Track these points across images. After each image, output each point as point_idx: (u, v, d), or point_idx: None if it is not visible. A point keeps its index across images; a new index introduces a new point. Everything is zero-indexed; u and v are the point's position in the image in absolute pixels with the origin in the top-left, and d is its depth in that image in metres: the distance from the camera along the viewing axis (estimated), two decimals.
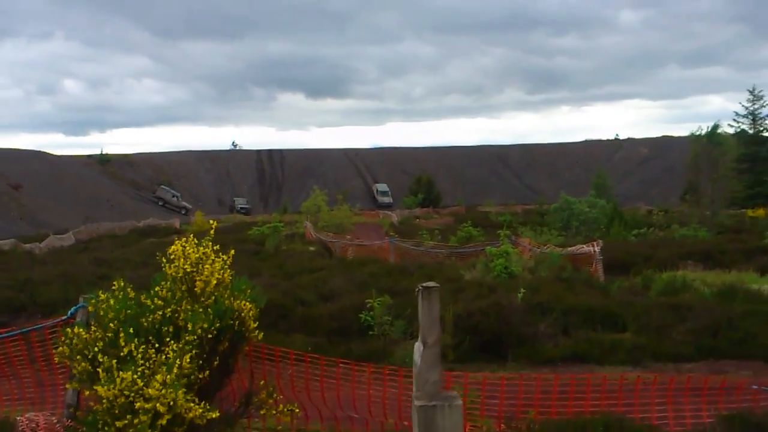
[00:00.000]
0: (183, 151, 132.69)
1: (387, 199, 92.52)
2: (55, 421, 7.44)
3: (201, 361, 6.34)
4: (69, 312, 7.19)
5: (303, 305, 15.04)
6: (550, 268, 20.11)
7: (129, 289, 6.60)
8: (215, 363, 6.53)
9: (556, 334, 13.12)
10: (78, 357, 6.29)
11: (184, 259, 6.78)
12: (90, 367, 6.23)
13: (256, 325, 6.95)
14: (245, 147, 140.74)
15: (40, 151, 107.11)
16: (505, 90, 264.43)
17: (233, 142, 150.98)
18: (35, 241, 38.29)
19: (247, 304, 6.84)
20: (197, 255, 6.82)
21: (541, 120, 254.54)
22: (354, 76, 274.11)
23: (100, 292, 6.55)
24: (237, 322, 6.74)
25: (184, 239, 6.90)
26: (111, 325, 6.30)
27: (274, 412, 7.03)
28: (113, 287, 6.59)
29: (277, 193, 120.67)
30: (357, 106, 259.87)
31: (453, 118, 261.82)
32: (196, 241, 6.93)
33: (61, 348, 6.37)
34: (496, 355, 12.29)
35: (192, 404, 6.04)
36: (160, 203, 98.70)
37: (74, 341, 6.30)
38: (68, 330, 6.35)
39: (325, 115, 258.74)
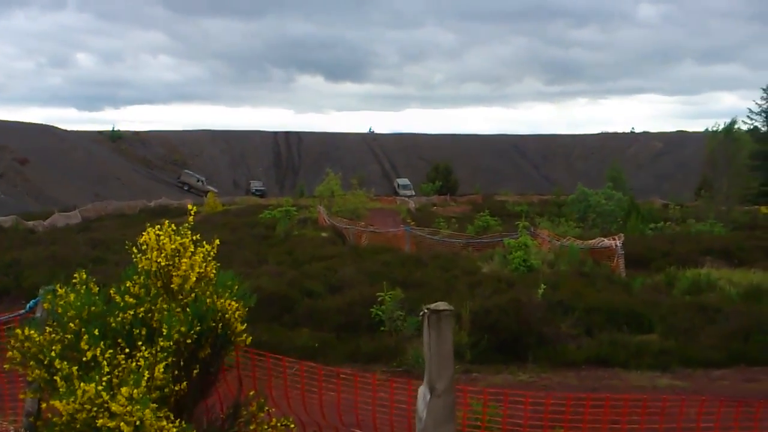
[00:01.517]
0: (197, 130, 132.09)
1: (409, 193, 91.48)
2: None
3: (177, 371, 5.38)
4: (27, 306, 6.20)
5: (310, 297, 14.16)
6: (570, 262, 19.30)
7: (92, 284, 5.63)
8: (195, 372, 5.56)
9: (579, 334, 12.33)
10: (32, 362, 5.34)
11: (158, 250, 5.78)
12: (46, 375, 5.28)
13: (243, 328, 5.93)
14: (263, 129, 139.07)
15: (48, 125, 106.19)
16: (523, 80, 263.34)
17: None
18: (40, 219, 37.48)
19: (233, 303, 5.81)
20: (174, 246, 5.81)
21: (558, 111, 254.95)
22: (374, 60, 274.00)
23: (59, 285, 5.57)
24: (221, 324, 5.72)
25: (158, 227, 5.89)
26: (71, 324, 5.32)
27: (266, 426, 6.02)
28: (74, 280, 5.62)
29: (294, 176, 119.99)
30: (376, 90, 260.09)
31: (471, 107, 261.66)
32: (173, 229, 5.92)
33: (10, 353, 5.41)
34: (515, 356, 11.50)
35: (164, 422, 5.08)
36: (185, 188, 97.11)
37: (26, 344, 5.34)
38: (18, 331, 5.37)
39: (343, 98, 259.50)
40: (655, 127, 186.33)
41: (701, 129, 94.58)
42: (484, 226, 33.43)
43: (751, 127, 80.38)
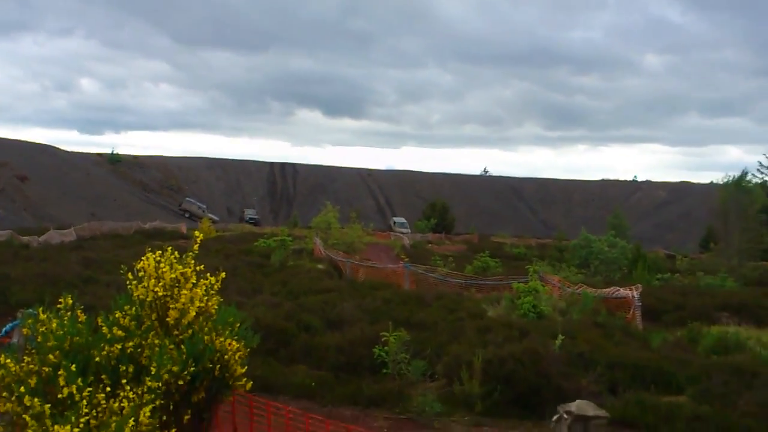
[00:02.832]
0: (194, 157, 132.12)
1: (405, 231, 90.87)
2: None
3: (166, 416, 4.69)
4: (3, 330, 5.50)
5: (308, 332, 13.41)
6: (583, 311, 18.37)
7: (79, 311, 4.96)
8: (186, 418, 4.88)
9: (602, 391, 11.13)
10: (4, 393, 4.66)
11: (156, 279, 5.11)
12: (19, 409, 4.59)
13: (244, 371, 5.25)
14: (259, 159, 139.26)
15: (48, 145, 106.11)
16: (523, 124, 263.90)
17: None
18: (35, 234, 36.88)
19: (234, 343, 5.14)
20: (174, 275, 5.15)
21: (556, 157, 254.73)
22: (372, 98, 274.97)
23: (41, 310, 4.90)
24: (218, 365, 5.06)
25: (160, 252, 5.23)
26: (51, 356, 4.66)
27: None
28: (59, 304, 4.95)
29: (288, 206, 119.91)
30: (373, 127, 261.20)
31: (468, 148, 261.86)
32: (176, 256, 5.26)
33: None
34: (531, 411, 10.47)
35: None
36: (186, 215, 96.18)
37: (1, 372, 4.66)
38: None
39: (340, 133, 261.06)
40: (657, 177, 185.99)
41: (705, 181, 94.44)
42: (483, 266, 32.71)
43: (762, 180, 79.48)
